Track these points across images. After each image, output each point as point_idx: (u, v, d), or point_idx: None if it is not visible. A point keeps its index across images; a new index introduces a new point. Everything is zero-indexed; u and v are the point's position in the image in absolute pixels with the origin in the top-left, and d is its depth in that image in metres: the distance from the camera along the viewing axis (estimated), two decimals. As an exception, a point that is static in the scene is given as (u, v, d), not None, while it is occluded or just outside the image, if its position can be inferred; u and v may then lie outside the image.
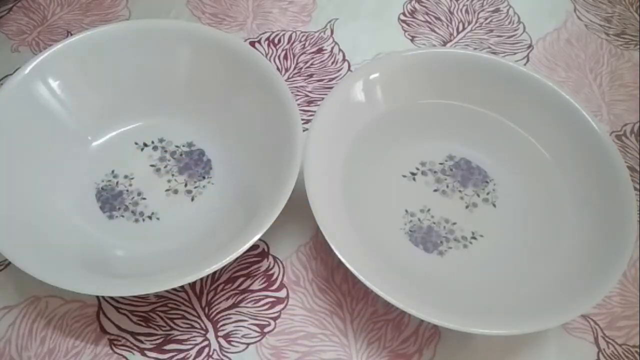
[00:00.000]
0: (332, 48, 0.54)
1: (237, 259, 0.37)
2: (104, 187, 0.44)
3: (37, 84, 0.42)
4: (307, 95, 0.51)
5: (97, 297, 0.40)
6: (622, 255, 0.38)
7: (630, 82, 0.54)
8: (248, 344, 0.39)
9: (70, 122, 0.44)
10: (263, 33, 0.55)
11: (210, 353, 0.38)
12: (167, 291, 0.40)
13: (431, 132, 0.47)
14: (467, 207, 0.44)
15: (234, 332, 0.39)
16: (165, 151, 0.46)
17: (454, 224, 0.43)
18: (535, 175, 0.45)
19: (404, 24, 0.56)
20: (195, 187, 0.44)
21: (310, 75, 0.52)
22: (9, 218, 0.38)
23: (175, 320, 0.39)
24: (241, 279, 0.41)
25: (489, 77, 0.46)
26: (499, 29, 0.56)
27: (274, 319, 0.40)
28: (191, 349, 0.38)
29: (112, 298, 0.40)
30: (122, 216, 0.43)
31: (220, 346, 0.39)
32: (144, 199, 0.43)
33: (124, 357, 0.38)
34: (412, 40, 0.55)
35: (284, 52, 0.53)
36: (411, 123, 0.46)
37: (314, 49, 0.54)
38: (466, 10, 0.58)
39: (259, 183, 0.41)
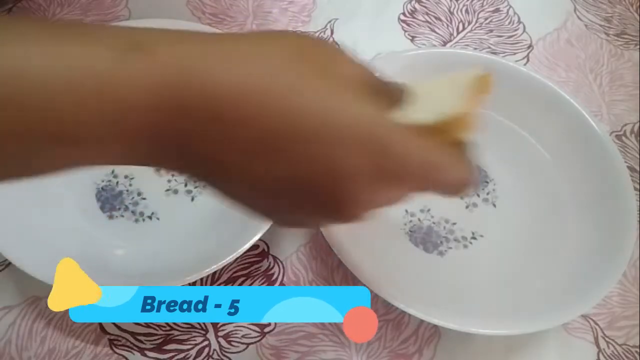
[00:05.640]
0: (332, 48, 0.54)
1: (237, 259, 0.37)
2: (104, 187, 0.44)
3: (37, 84, 0.42)
4: (307, 95, 0.50)
5: (97, 297, 0.40)
6: (622, 255, 0.38)
7: (630, 82, 0.54)
8: (248, 344, 0.39)
9: (70, 122, 0.44)
10: (263, 33, 0.54)
11: (210, 353, 0.38)
12: (167, 291, 0.40)
13: (431, 132, 0.47)
14: (467, 207, 0.44)
15: (234, 332, 0.39)
16: (165, 151, 0.46)
17: (454, 224, 0.43)
18: (535, 175, 0.45)
19: (404, 24, 0.56)
20: (196, 187, 0.44)
21: (310, 75, 0.52)
22: (9, 218, 0.38)
23: (175, 320, 0.39)
24: (241, 279, 0.41)
25: (489, 77, 0.46)
26: (499, 29, 0.56)
27: (274, 319, 0.40)
28: (191, 349, 0.38)
29: (112, 298, 0.40)
30: (122, 216, 0.43)
31: (220, 346, 0.39)
32: (144, 199, 0.43)
33: (124, 357, 0.38)
34: (412, 40, 0.55)
35: (284, 52, 0.53)
36: (411, 123, 0.46)
37: (314, 49, 0.54)
38: (466, 10, 0.58)
39: (259, 183, 0.41)
